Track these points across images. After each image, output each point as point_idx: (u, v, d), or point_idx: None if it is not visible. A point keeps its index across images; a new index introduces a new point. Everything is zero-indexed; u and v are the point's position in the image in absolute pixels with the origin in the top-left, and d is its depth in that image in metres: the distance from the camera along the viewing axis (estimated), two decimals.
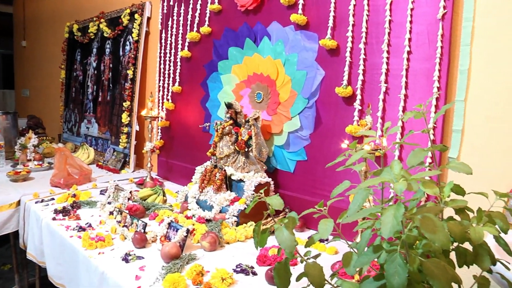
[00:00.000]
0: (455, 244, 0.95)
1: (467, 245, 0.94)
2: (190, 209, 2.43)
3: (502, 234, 0.94)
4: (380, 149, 1.74)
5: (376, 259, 0.89)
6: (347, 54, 2.13)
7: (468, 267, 0.95)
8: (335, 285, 0.95)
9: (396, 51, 1.97)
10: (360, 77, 2.09)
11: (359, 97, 2.10)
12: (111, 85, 4.10)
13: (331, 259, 1.89)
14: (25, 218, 2.76)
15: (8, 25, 7.20)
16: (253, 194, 2.29)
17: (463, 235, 0.89)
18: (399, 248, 0.82)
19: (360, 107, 2.10)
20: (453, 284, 0.83)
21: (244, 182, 2.38)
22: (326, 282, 0.93)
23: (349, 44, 2.13)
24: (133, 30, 3.67)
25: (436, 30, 1.81)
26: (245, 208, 2.24)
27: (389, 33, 1.98)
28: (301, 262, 0.92)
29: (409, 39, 1.91)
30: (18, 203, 2.84)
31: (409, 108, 1.94)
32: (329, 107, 2.24)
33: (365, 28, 2.06)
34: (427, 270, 0.79)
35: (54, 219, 2.41)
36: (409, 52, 1.92)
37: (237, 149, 2.48)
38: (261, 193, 0.88)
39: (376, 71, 2.04)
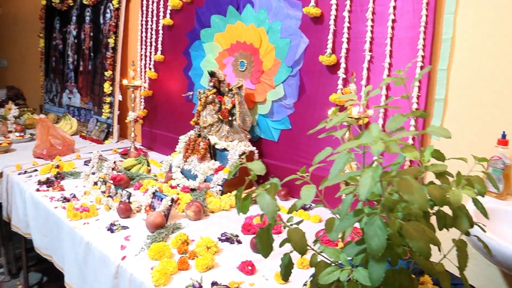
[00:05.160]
0: (436, 208, 0.97)
1: (447, 210, 0.96)
2: (174, 179, 2.43)
3: (479, 198, 0.96)
4: (363, 116, 1.74)
5: (358, 224, 0.90)
6: (331, 22, 2.12)
7: (448, 230, 0.97)
8: (318, 251, 0.97)
9: (380, 19, 1.96)
10: (344, 45, 2.08)
11: (343, 65, 2.09)
12: (92, 54, 4.02)
13: (315, 227, 1.92)
14: (8, 190, 2.73)
15: None
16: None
17: (443, 198, 0.90)
18: (380, 212, 0.83)
19: (344, 76, 2.09)
20: (432, 246, 0.84)
21: (228, 151, 2.38)
22: (308, 247, 0.94)
23: (333, 12, 2.11)
24: None
25: None
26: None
27: (373, 1, 1.97)
28: (284, 228, 0.93)
29: (394, 7, 1.90)
30: (1, 175, 2.80)
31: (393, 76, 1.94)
32: (313, 76, 2.23)
33: None
34: (407, 233, 0.80)
35: (38, 190, 2.39)
36: (393, 20, 1.91)
37: (221, 118, 2.47)
38: (243, 159, 0.88)
39: (360, 39, 2.03)
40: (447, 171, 0.98)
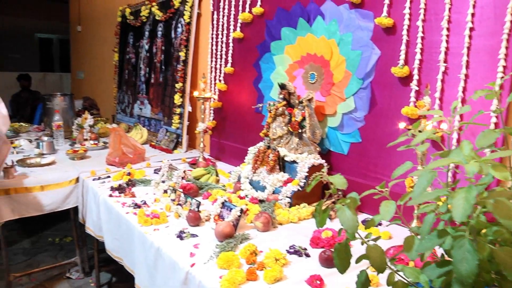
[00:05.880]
0: None
1: None
2: (243, 190, 2.45)
3: None
4: (441, 131, 1.67)
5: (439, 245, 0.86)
6: (404, 32, 2.06)
7: None
8: (395, 270, 0.93)
9: (456, 27, 1.88)
10: (418, 56, 2.02)
11: (416, 77, 2.03)
12: (163, 67, 4.16)
13: (385, 244, 1.85)
14: (83, 194, 2.89)
15: (65, 11, 7.45)
16: (306, 175, 2.27)
17: None
18: (467, 235, 0.79)
19: (417, 88, 2.03)
20: None
21: (297, 163, 2.36)
22: (386, 266, 0.91)
23: (406, 22, 2.05)
24: (185, 12, 3.69)
25: (506, 2, 1.69)
26: (298, 190, 2.24)
27: (449, 9, 1.89)
28: (362, 244, 0.90)
29: (472, 14, 1.80)
30: (77, 180, 2.97)
31: (470, 88, 1.85)
32: (385, 88, 2.18)
33: (424, 4, 1.98)
34: (500, 259, 0.75)
35: (110, 195, 2.50)
36: (471, 29, 1.82)
37: (291, 130, 2.46)
38: (323, 172, 0.87)
39: (434, 50, 1.96)
40: None
